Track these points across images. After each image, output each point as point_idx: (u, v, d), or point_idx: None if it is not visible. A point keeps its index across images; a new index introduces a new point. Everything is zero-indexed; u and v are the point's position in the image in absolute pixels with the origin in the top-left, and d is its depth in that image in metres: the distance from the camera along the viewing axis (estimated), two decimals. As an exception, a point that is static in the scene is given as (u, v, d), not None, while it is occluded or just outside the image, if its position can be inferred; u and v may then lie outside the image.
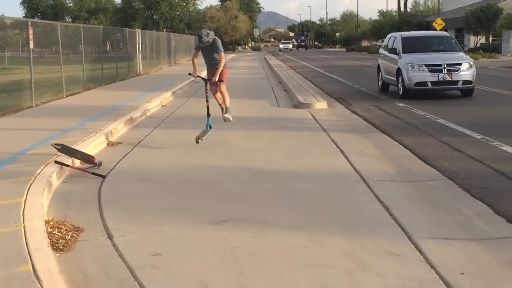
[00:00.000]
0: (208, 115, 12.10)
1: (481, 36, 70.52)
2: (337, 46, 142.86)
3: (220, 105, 12.64)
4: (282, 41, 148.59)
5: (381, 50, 25.50)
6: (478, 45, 68.79)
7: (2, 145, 10.95)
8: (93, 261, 5.86)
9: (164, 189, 8.65)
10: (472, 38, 72.52)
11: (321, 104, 18.94)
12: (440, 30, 65.72)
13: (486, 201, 7.86)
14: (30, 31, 18.14)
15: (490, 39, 69.26)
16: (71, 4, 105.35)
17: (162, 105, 19.51)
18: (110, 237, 6.53)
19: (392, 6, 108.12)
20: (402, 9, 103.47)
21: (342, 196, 8.23)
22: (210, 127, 12.07)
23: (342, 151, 11.28)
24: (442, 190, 8.60)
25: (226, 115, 12.47)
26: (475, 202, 7.88)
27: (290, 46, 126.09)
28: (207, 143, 12.07)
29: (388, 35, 26.25)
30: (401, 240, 6.42)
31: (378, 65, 24.63)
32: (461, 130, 13.94)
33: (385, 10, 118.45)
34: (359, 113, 17.29)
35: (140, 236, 6.53)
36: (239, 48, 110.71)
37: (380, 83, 24.31)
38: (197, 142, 11.75)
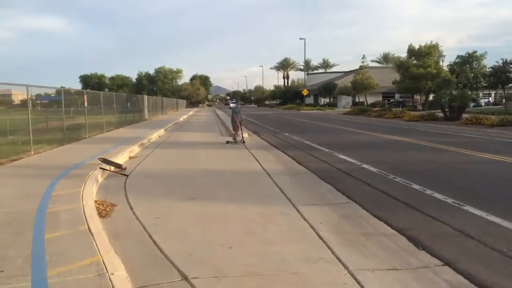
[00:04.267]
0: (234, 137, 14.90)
1: (327, 98, 72.71)
2: (252, 104, 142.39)
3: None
4: (230, 100, 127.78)
5: None
6: (326, 103, 70.82)
7: (70, 158, 10.49)
8: (122, 222, 5.71)
9: (161, 181, 8.46)
10: (322, 99, 74.69)
11: (245, 134, 18.89)
12: (305, 95, 67.57)
13: (332, 184, 8.07)
14: (85, 97, 17.72)
15: (331, 99, 71.16)
16: (108, 82, 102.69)
17: (159, 136, 19.12)
18: (131, 208, 6.37)
19: (281, 83, 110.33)
20: (286, 84, 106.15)
21: (256, 183, 8.24)
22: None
23: (256, 159, 11.33)
24: (308, 179, 8.75)
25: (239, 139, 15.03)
26: (326, 185, 8.07)
27: (235, 104, 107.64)
28: (184, 155, 11.95)
29: None
30: (288, 206, 6.48)
31: None
32: (318, 147, 14.26)
33: (277, 85, 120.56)
34: (265, 139, 17.44)
35: (147, 208, 6.37)
36: (200, 105, 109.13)
37: None
38: (227, 142, 14.22)
